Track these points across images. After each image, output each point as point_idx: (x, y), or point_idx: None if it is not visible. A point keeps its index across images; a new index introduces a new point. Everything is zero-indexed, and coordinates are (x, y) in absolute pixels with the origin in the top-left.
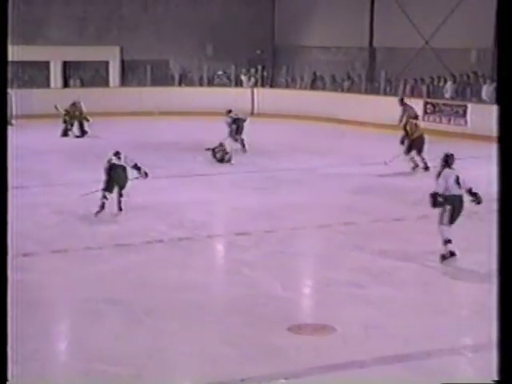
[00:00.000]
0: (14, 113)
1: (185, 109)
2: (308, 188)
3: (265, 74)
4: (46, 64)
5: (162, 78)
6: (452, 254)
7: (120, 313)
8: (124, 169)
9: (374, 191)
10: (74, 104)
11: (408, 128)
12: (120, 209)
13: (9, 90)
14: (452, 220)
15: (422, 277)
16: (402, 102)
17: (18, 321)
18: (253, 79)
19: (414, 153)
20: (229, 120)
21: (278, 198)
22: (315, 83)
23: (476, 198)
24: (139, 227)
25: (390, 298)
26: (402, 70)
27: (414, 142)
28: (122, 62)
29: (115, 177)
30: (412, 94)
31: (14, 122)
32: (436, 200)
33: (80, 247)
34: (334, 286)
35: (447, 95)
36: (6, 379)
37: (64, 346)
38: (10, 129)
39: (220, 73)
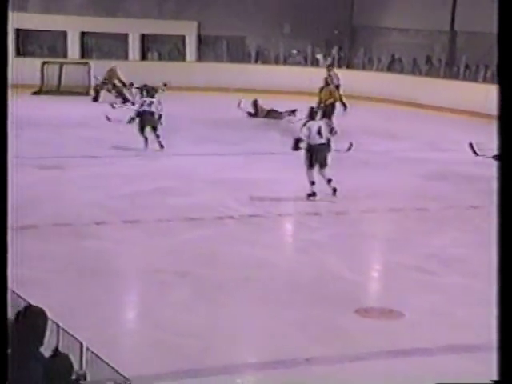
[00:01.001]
0: (92, 84)
1: (260, 86)
2: (381, 171)
3: (341, 54)
4: (125, 36)
5: (238, 54)
6: (314, 194)
7: (189, 286)
8: (152, 113)
9: (449, 178)
10: (110, 70)
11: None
12: (161, 146)
13: (88, 61)
14: (311, 165)
15: (493, 267)
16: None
17: (89, 287)
18: (329, 59)
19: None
20: None
21: (349, 179)
22: (393, 66)
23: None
24: (210, 202)
25: (460, 286)
26: (484, 56)
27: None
28: (199, 37)
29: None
30: (493, 81)
31: (91, 92)
32: (297, 144)
33: (151, 219)
34: (402, 271)
35: None
36: (6, 379)
37: (133, 315)
38: (86, 98)
39: (294, 52)
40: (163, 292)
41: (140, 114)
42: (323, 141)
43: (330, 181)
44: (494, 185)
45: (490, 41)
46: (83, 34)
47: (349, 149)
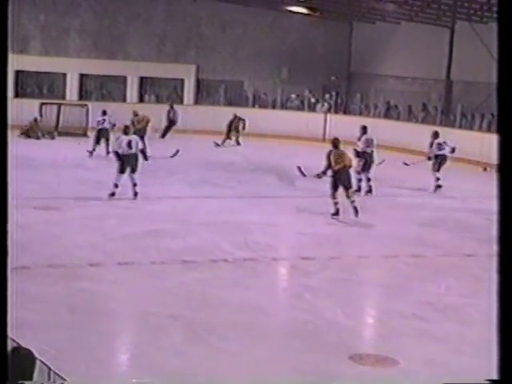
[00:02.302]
0: (89, 125)
1: (257, 131)
2: (376, 216)
3: (339, 100)
4: (124, 79)
5: (236, 98)
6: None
7: (181, 329)
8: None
9: (445, 224)
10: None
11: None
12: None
13: (86, 103)
14: (122, 170)
15: (490, 315)
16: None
17: (82, 330)
18: (326, 105)
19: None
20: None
21: (344, 224)
22: (389, 112)
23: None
24: (205, 245)
25: (456, 334)
26: (479, 105)
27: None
28: (198, 80)
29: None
30: (489, 130)
31: (89, 133)
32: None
33: (146, 261)
34: (397, 318)
35: None
36: (5, 379)
37: (125, 358)
38: (85, 140)
39: (293, 96)
40: (156, 335)
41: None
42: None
43: (135, 185)
44: (491, 233)
45: (485, 90)
46: (82, 75)
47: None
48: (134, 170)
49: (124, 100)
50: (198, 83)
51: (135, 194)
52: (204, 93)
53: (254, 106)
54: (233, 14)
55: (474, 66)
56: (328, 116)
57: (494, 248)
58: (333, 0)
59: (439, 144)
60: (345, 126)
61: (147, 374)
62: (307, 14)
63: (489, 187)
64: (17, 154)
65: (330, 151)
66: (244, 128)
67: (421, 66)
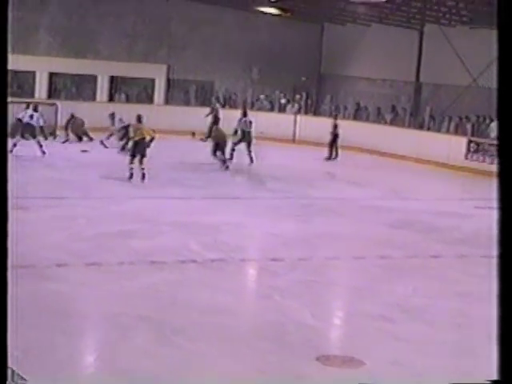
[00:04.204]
0: (58, 124)
1: (228, 131)
2: (345, 218)
3: (309, 101)
4: (94, 78)
5: (206, 98)
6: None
7: (149, 330)
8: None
9: (412, 226)
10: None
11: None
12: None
13: (55, 101)
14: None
15: (455, 316)
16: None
17: (48, 330)
18: (296, 106)
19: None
20: None
21: (314, 226)
22: (359, 114)
23: None
24: (174, 246)
25: (422, 335)
26: (448, 107)
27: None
28: (168, 80)
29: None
30: (456, 132)
31: (58, 133)
32: None
33: (114, 261)
34: (365, 319)
35: (492, 135)
36: (5, 379)
37: (92, 359)
38: (53, 140)
39: (262, 97)
40: (123, 336)
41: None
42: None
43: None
44: (456, 234)
45: (453, 92)
46: (51, 74)
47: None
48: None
49: (94, 99)
50: (169, 83)
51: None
52: (175, 93)
53: (224, 106)
54: (204, 14)
55: (443, 69)
56: (298, 117)
57: (460, 249)
58: (304, 1)
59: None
60: (314, 126)
61: (114, 375)
62: (278, 15)
63: (456, 189)
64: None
65: (131, 125)
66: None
67: (390, 68)
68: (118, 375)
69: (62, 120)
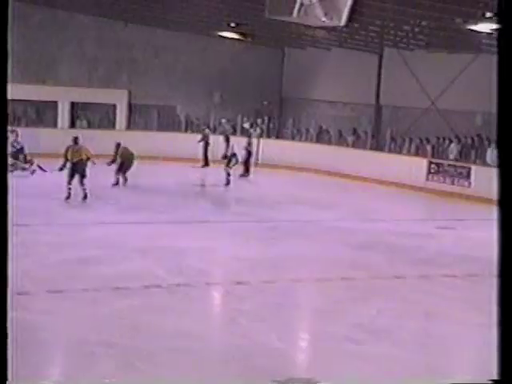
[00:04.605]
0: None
1: (190, 155)
2: (309, 241)
3: (271, 125)
4: (55, 104)
5: (168, 123)
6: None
7: (114, 357)
8: None
9: (376, 248)
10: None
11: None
12: None
13: (16, 128)
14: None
15: (420, 336)
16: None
17: (10, 361)
18: (258, 129)
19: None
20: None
21: (278, 249)
22: (321, 136)
23: None
24: (138, 271)
25: (387, 356)
26: (408, 129)
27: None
28: (130, 105)
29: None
30: (417, 153)
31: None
32: None
33: (77, 288)
34: (330, 341)
35: (452, 156)
36: (5, 379)
37: None
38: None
39: (224, 121)
40: (88, 364)
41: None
42: None
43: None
44: (420, 255)
45: (413, 114)
46: (12, 101)
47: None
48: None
49: (55, 125)
50: (130, 108)
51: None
52: (136, 118)
53: (186, 130)
54: (165, 40)
55: (402, 92)
56: (260, 140)
57: (423, 269)
58: (264, 26)
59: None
60: (277, 150)
61: None
62: (239, 40)
63: (418, 210)
64: None
65: (69, 147)
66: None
67: (351, 91)
68: None
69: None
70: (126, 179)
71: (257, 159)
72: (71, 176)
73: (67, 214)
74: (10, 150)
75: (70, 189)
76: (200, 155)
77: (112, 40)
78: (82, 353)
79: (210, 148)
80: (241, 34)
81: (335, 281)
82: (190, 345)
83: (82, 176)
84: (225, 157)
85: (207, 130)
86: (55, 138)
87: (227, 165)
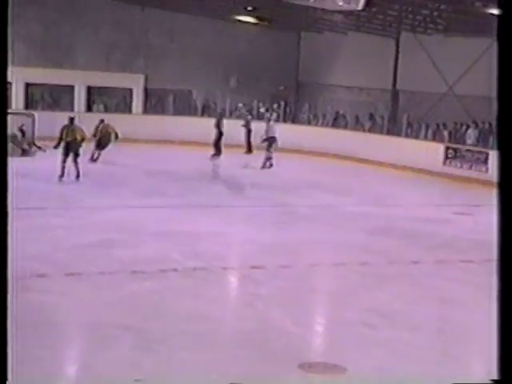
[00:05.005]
0: (36, 135)
1: (205, 139)
2: (325, 225)
3: (287, 109)
4: (71, 88)
5: (184, 107)
6: None
7: (131, 340)
8: None
9: (391, 233)
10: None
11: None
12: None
13: (32, 112)
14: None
15: (435, 322)
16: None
17: (28, 342)
18: (275, 114)
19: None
20: None
21: (294, 233)
22: (337, 121)
23: None
24: (154, 255)
25: (402, 340)
26: (425, 114)
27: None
28: (146, 90)
29: None
30: (434, 139)
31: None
32: None
33: (95, 271)
34: (346, 325)
35: (469, 141)
36: (5, 379)
37: (74, 370)
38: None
39: (240, 105)
40: (105, 346)
41: None
42: None
43: None
44: (436, 240)
45: (430, 99)
46: (28, 84)
47: None
48: None
49: (72, 109)
50: (147, 93)
51: None
52: (152, 102)
53: (202, 115)
54: (181, 23)
55: (419, 77)
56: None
57: (439, 255)
58: (281, 10)
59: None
60: (293, 135)
61: None
62: (255, 24)
63: (434, 195)
64: None
65: (64, 126)
66: None
67: (368, 75)
68: None
69: (40, 131)
70: (99, 155)
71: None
72: (65, 155)
73: (83, 198)
74: (19, 134)
75: (63, 167)
76: (243, 141)
77: (128, 24)
78: (98, 335)
79: (252, 134)
80: (257, 17)
81: (351, 265)
82: (206, 328)
83: (76, 155)
84: (265, 140)
85: (249, 116)
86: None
87: (267, 149)
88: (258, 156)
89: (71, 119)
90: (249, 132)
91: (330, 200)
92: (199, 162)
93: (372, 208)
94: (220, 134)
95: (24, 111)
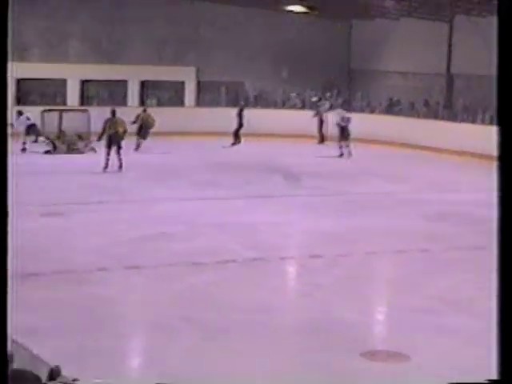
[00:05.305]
0: (92, 130)
1: (260, 130)
2: (384, 213)
3: (339, 98)
4: (125, 83)
5: (237, 99)
6: None
7: (194, 331)
8: None
9: (453, 219)
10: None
11: None
12: None
13: (87, 108)
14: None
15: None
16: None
17: (93, 334)
18: (327, 103)
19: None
20: None
21: (353, 221)
22: (391, 108)
23: None
24: (213, 246)
25: (467, 328)
26: (482, 98)
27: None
28: (198, 82)
29: None
30: (491, 123)
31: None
32: None
33: (154, 264)
34: (408, 313)
35: None
36: (5, 379)
37: (138, 362)
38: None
39: (293, 95)
40: (168, 338)
41: None
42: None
43: None
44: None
45: (486, 83)
46: (83, 81)
47: None
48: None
49: (125, 104)
50: (199, 85)
51: None
52: (205, 95)
53: (255, 106)
54: (232, 15)
55: (474, 60)
56: (330, 114)
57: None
58: None
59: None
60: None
61: (160, 377)
62: (306, 13)
63: (494, 180)
64: (21, 161)
65: (107, 120)
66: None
67: (421, 61)
68: (165, 377)
69: (94, 126)
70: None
71: (326, 133)
72: (108, 147)
73: (139, 191)
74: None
75: (107, 159)
76: (315, 132)
77: (179, 18)
78: (161, 327)
79: (324, 125)
80: (308, 7)
81: (411, 252)
82: (267, 318)
83: (119, 147)
84: (342, 130)
85: (322, 107)
86: (125, 116)
87: (341, 139)
88: (330, 147)
89: (113, 112)
90: (321, 122)
91: (388, 187)
92: (254, 153)
93: (430, 194)
94: (240, 125)
95: (79, 107)
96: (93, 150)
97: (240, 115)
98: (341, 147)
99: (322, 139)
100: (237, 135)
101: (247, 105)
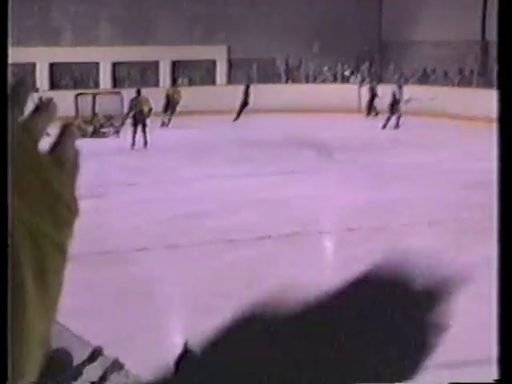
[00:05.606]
0: (125, 112)
1: (292, 106)
2: (418, 183)
3: (372, 70)
4: (156, 64)
5: (268, 75)
6: None
7: (233, 308)
8: None
9: (487, 187)
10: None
11: None
12: None
13: (120, 90)
14: None
15: None
16: None
17: (134, 313)
18: (359, 76)
19: None
20: None
21: (387, 193)
22: (425, 78)
23: None
24: (248, 223)
25: None
26: None
27: None
28: (229, 60)
29: None
30: None
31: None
32: None
33: (192, 242)
34: None
35: None
36: (6, 379)
37: (181, 339)
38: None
39: (325, 69)
40: (209, 315)
41: None
42: None
43: None
44: None
45: None
46: (114, 64)
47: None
48: None
49: (157, 85)
50: (230, 63)
51: None
52: (236, 72)
53: (287, 82)
54: None
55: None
56: (362, 87)
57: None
58: None
59: None
60: (380, 95)
61: None
62: None
63: None
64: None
65: (132, 99)
66: None
67: (454, 28)
68: None
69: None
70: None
71: (359, 106)
72: (134, 125)
73: (173, 169)
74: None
75: (134, 137)
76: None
77: None
78: (201, 304)
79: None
80: None
81: (447, 223)
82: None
83: (144, 125)
84: (392, 105)
85: (374, 82)
86: (157, 97)
87: (391, 111)
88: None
89: (138, 91)
90: (373, 96)
91: (422, 157)
92: (286, 128)
93: (468, 163)
94: (245, 103)
95: (112, 90)
96: (117, 133)
97: (246, 92)
98: (389, 119)
99: (369, 111)
100: (239, 113)
101: (277, 80)
